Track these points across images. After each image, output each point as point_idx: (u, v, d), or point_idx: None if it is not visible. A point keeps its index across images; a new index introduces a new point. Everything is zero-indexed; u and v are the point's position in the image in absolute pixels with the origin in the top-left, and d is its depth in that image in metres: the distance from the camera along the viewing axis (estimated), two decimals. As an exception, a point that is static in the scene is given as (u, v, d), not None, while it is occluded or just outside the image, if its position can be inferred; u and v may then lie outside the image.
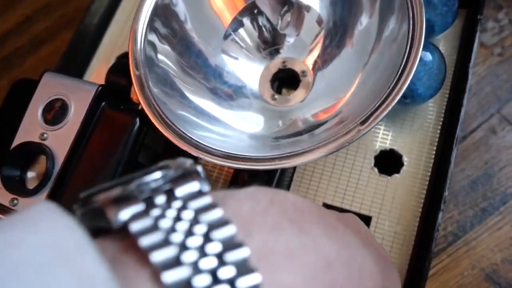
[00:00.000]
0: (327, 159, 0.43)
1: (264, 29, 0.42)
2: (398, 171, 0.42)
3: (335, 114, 0.37)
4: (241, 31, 0.42)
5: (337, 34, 0.40)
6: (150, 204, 0.18)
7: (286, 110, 0.41)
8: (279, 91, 0.43)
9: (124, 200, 0.18)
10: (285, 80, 0.43)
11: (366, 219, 0.41)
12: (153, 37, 0.38)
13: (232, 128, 0.38)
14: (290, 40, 0.42)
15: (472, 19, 0.44)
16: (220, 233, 0.18)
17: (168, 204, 0.18)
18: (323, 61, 0.41)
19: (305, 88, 0.42)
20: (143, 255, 0.17)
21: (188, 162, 0.21)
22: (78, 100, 0.38)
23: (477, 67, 0.49)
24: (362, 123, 0.33)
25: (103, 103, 0.38)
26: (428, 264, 0.37)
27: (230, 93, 0.40)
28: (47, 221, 0.17)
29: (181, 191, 0.19)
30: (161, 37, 0.38)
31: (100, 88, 0.38)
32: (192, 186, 0.19)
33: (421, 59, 0.39)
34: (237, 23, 0.42)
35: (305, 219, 0.22)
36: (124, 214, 0.18)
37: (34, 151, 0.38)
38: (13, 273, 0.15)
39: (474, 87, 0.49)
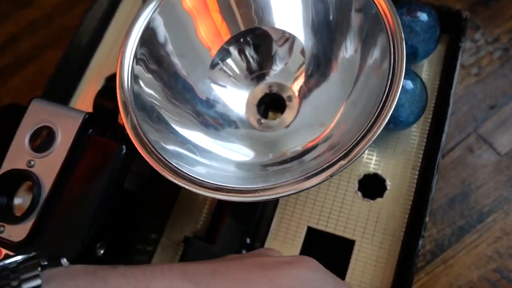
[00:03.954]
0: (312, 183, 0.41)
1: (251, 60, 0.40)
2: (381, 195, 0.41)
3: (324, 139, 0.36)
4: (228, 60, 0.40)
5: (320, 64, 0.39)
6: None
7: (273, 137, 0.39)
8: (265, 115, 0.41)
9: None
10: (271, 104, 0.41)
11: (349, 243, 0.39)
12: (139, 69, 0.36)
13: (220, 158, 0.36)
14: (277, 69, 0.40)
15: (454, 46, 0.43)
16: None
17: None
18: (308, 88, 0.39)
19: (291, 112, 0.40)
20: None
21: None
22: (65, 128, 0.36)
23: (454, 86, 0.48)
24: (344, 156, 0.31)
25: (90, 130, 0.36)
26: None
27: (217, 120, 0.38)
28: None
29: None
30: (147, 68, 0.36)
31: (87, 116, 0.36)
32: None
33: (403, 87, 0.38)
34: (224, 53, 0.40)
35: None
36: None
37: (21, 178, 0.36)
38: None
39: (451, 107, 0.47)
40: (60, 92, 0.46)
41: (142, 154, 0.33)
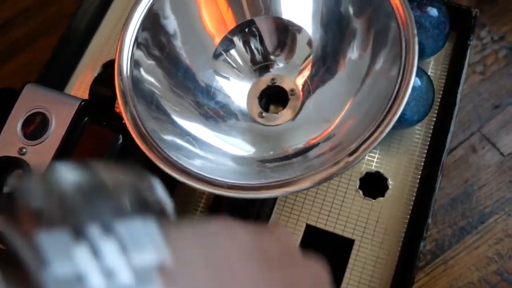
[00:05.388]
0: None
1: (256, 52, 0.38)
2: (382, 195, 0.39)
3: (326, 137, 0.34)
4: (232, 51, 0.38)
5: (328, 58, 0.37)
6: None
7: (274, 131, 0.37)
8: (266, 108, 0.39)
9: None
10: (273, 97, 0.39)
11: (349, 242, 0.38)
12: (140, 54, 0.34)
13: (220, 151, 0.34)
14: (281, 61, 0.38)
15: (462, 44, 0.41)
16: None
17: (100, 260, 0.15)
18: (313, 82, 0.38)
19: (294, 106, 0.38)
20: None
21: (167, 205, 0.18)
22: (60, 115, 0.34)
23: (459, 85, 0.46)
24: (350, 154, 0.29)
25: (86, 118, 0.34)
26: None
27: (217, 112, 0.36)
28: None
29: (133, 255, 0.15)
30: (148, 54, 0.34)
31: (83, 103, 0.34)
32: (147, 257, 0.15)
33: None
34: (228, 43, 0.38)
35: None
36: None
37: (11, 166, 0.34)
38: None
39: (458, 107, 0.46)
40: (55, 78, 0.44)
41: (139, 145, 0.31)
